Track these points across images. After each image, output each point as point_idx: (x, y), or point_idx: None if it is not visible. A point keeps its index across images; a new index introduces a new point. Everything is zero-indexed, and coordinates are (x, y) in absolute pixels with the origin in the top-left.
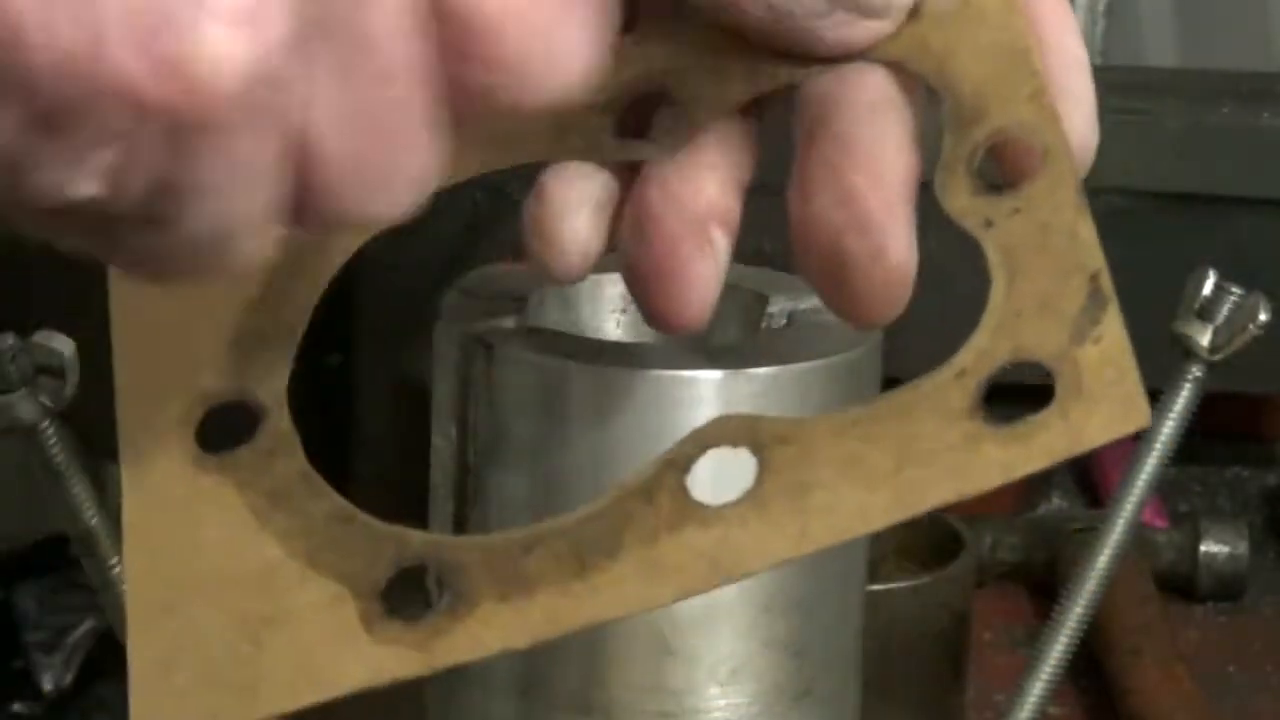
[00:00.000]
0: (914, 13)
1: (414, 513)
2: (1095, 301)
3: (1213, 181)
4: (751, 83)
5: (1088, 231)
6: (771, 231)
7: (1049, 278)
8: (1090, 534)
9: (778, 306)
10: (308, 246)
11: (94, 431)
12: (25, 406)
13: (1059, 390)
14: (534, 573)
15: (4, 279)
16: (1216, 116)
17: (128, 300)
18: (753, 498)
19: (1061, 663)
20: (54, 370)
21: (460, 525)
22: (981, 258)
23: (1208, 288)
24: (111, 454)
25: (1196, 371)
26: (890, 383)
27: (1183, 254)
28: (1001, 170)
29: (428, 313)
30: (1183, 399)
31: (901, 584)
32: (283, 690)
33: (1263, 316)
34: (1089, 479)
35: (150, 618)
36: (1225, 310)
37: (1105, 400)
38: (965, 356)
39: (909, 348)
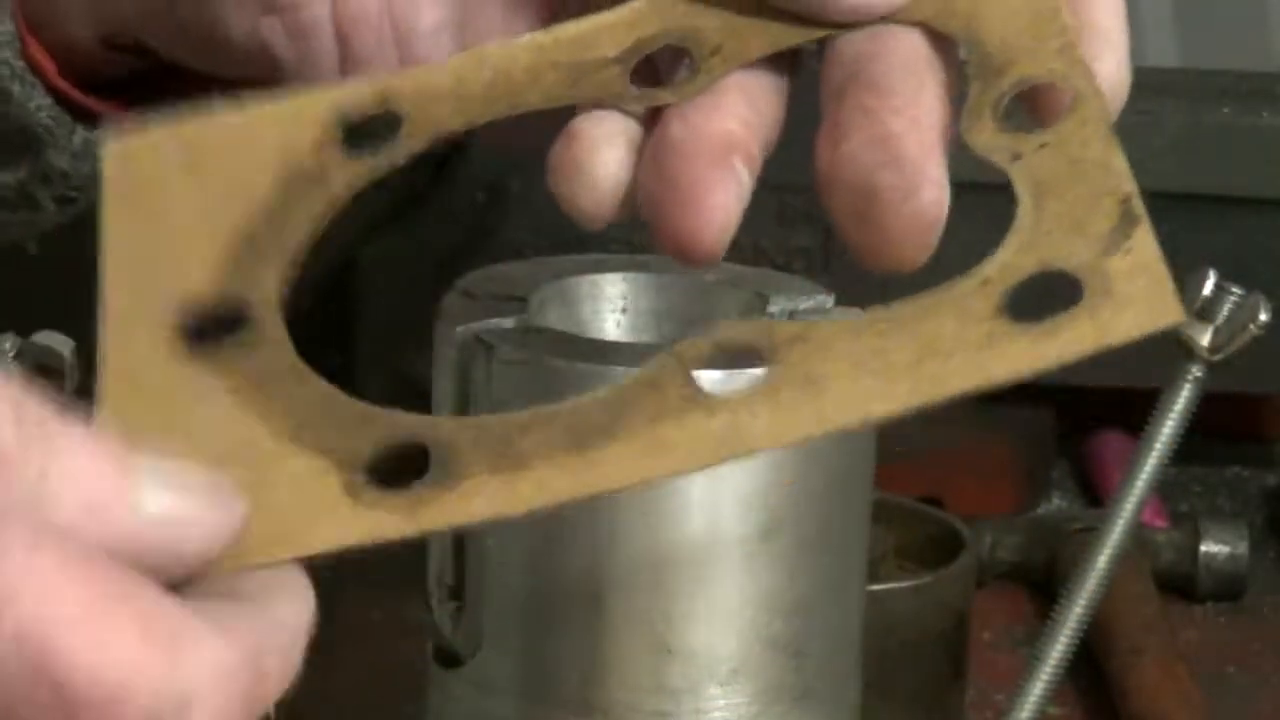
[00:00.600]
0: None
1: None
2: (1127, 220)
3: (1213, 181)
4: (772, 38)
5: (1119, 162)
6: (771, 231)
7: (1080, 201)
8: (1090, 534)
9: (778, 306)
10: (308, 180)
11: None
12: None
13: (1087, 294)
14: (528, 450)
15: (4, 279)
16: (1216, 116)
17: (120, 224)
18: (762, 387)
19: (1061, 663)
20: (54, 370)
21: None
22: (981, 259)
23: (1208, 288)
24: None
25: (1196, 371)
26: None
27: (1183, 254)
28: (1030, 113)
29: (428, 313)
30: (1183, 399)
31: (901, 584)
32: (257, 546)
33: (1263, 316)
34: (1089, 479)
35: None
36: (1225, 310)
37: (1135, 301)
38: (989, 268)
39: None
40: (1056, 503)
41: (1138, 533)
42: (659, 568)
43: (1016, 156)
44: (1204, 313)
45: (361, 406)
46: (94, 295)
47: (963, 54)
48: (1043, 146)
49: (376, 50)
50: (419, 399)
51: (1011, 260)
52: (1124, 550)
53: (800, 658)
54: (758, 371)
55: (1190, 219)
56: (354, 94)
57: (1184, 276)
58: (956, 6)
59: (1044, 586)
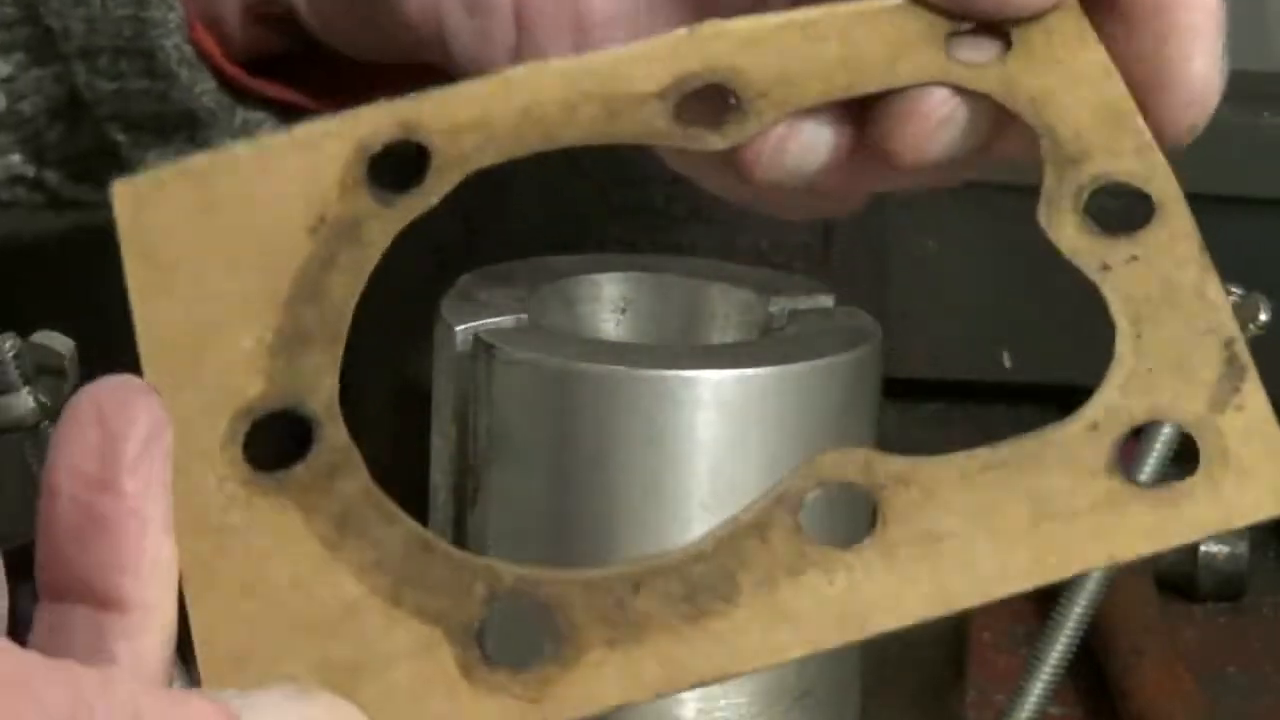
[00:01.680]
0: (1002, 53)
1: (414, 513)
2: (1233, 369)
3: (1213, 181)
4: (822, 87)
5: (1216, 293)
6: (771, 231)
7: (1180, 336)
8: None
9: (778, 306)
10: (342, 236)
11: None
12: (25, 406)
13: (1204, 457)
14: (643, 614)
15: (4, 279)
16: (1216, 116)
17: (152, 309)
18: (878, 544)
19: (1061, 663)
20: (54, 370)
21: (460, 525)
22: (981, 259)
23: None
24: None
25: None
26: (890, 383)
27: None
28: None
29: (428, 313)
30: None
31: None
32: None
33: (1263, 316)
34: None
35: (224, 669)
36: None
37: (1256, 475)
38: (1095, 409)
39: (909, 348)
40: None
41: None
42: None
43: (1106, 267)
44: None
45: (456, 554)
46: (95, 295)
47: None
48: (1133, 260)
49: (553, 35)
50: (419, 399)
51: (1117, 402)
52: None
53: (800, 658)
54: (865, 516)
55: None
56: (373, 122)
57: None
58: (1020, 84)
59: (1044, 586)
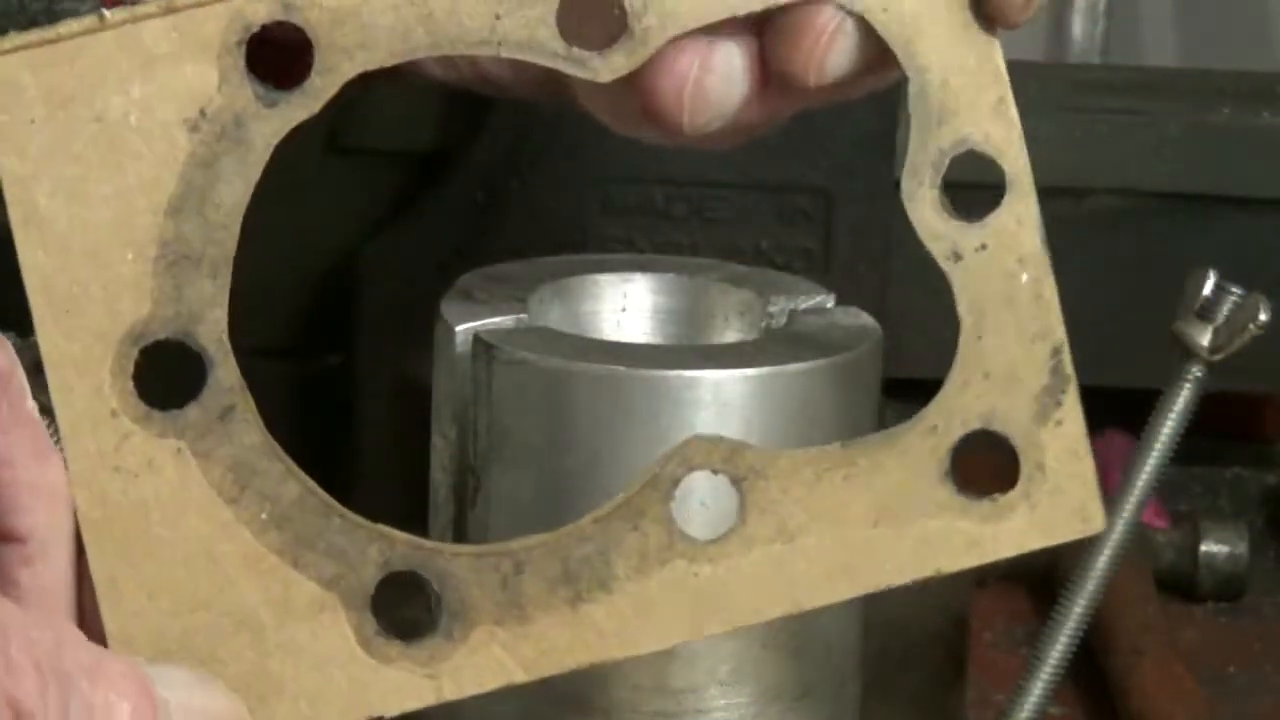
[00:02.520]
0: None
1: (414, 513)
2: (1057, 379)
3: (1213, 181)
4: (711, 4)
5: (1050, 293)
6: (771, 231)
7: (1014, 341)
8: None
9: (778, 306)
10: (225, 138)
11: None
12: None
13: (1023, 472)
14: (527, 595)
15: (4, 279)
16: (1216, 116)
17: (30, 212)
18: (739, 537)
19: (1061, 663)
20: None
21: (460, 525)
22: None
23: (1208, 288)
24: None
25: (1196, 371)
26: (890, 383)
27: (1183, 254)
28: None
29: (428, 313)
30: (1183, 399)
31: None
32: (292, 712)
33: (1263, 316)
34: None
35: (128, 624)
36: (1225, 310)
37: (1066, 495)
38: (935, 411)
39: (909, 348)
40: None
41: (1138, 533)
42: None
43: (957, 256)
44: (1204, 313)
45: (350, 517)
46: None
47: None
48: (981, 249)
49: None
50: (419, 399)
51: (955, 405)
52: (1124, 550)
53: (800, 658)
54: (729, 504)
55: (1190, 219)
56: (252, 1)
57: (1184, 276)
58: (904, 9)
59: (1044, 586)
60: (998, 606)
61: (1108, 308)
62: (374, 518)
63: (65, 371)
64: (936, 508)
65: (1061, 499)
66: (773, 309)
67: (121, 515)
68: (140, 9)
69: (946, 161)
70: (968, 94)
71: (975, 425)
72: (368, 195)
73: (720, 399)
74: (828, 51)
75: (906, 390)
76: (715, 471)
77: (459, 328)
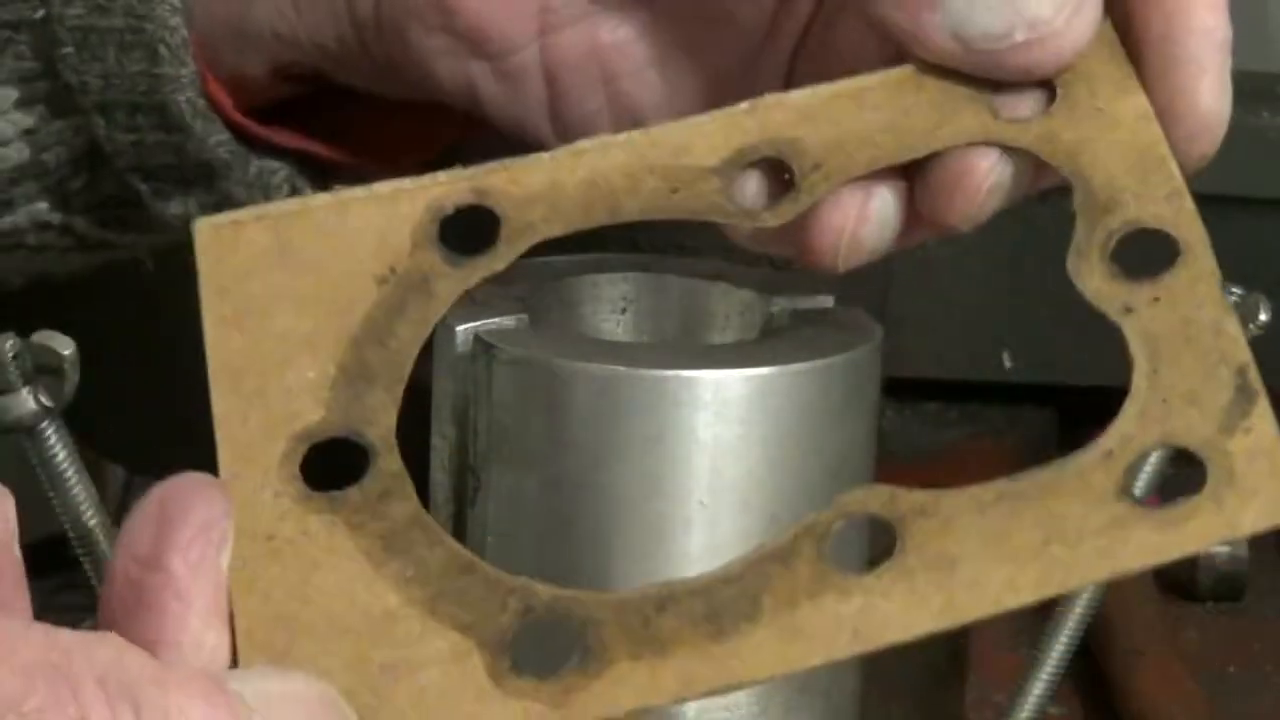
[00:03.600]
0: (1046, 106)
1: None
2: (1244, 394)
3: (1213, 181)
4: (873, 155)
5: (1233, 326)
6: None
7: (1195, 370)
8: None
9: (778, 306)
10: (411, 289)
11: (94, 431)
12: (25, 406)
13: (1211, 477)
14: (668, 632)
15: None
16: None
17: (224, 333)
18: (895, 569)
19: (1061, 663)
20: (54, 370)
21: (460, 525)
22: (981, 259)
23: None
24: (111, 454)
25: None
26: (890, 383)
27: None
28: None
29: None
30: None
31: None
32: None
33: (1263, 316)
34: None
35: (260, 653)
36: None
37: (1260, 490)
38: (1110, 439)
39: (909, 348)
40: None
41: None
42: (661, 568)
43: (1129, 310)
44: None
45: (493, 573)
46: (95, 295)
47: (1073, 191)
48: (1155, 301)
49: (584, 91)
50: (419, 399)
51: (1132, 431)
52: None
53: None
54: (887, 544)
55: None
56: (448, 185)
57: None
58: (1061, 137)
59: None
60: None
61: None
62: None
63: (235, 454)
64: (1113, 521)
65: (1252, 497)
66: (773, 309)
67: (269, 574)
68: (346, 193)
69: (1114, 240)
70: (1134, 189)
71: (1154, 445)
72: None
73: (720, 399)
74: (982, 204)
75: (906, 390)
76: (873, 517)
77: (459, 328)
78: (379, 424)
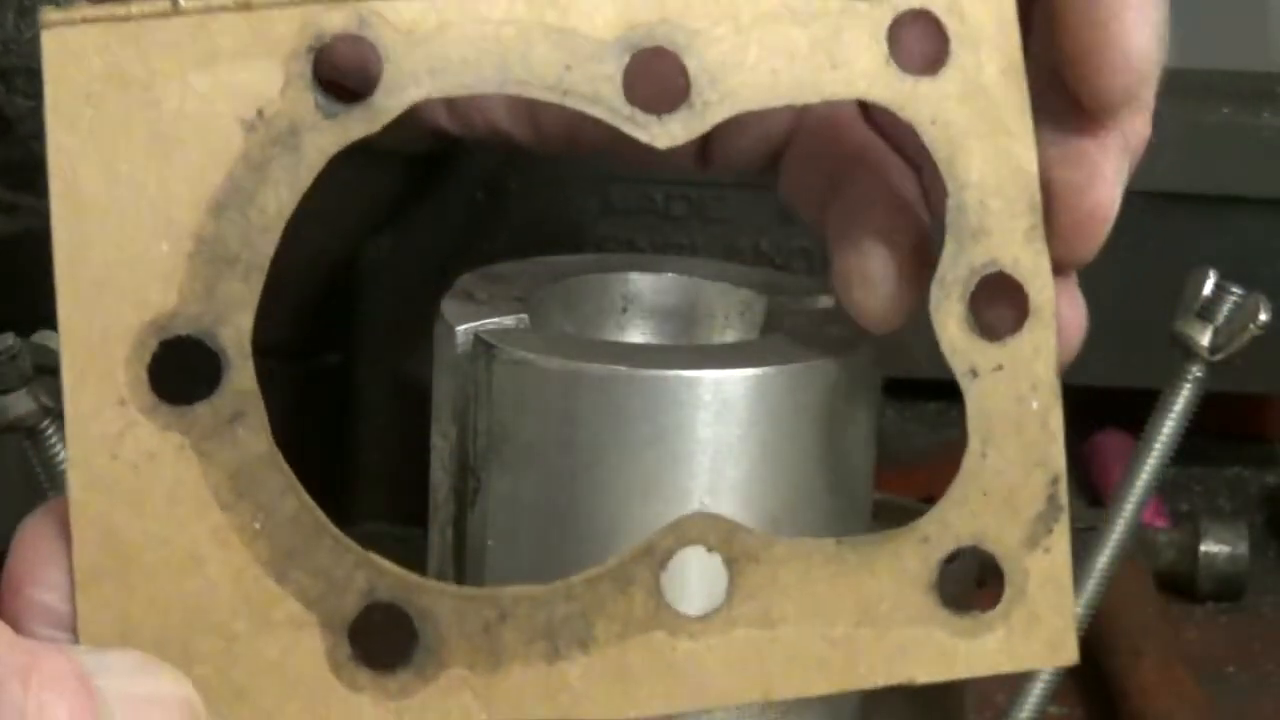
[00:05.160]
0: (936, 66)
1: (414, 513)
2: (1052, 507)
3: (1213, 181)
4: (768, 89)
5: (1056, 422)
6: (771, 232)
7: (1017, 466)
8: (1090, 534)
9: (778, 306)
10: (278, 143)
11: None
12: (25, 406)
13: (1006, 594)
14: (505, 645)
15: (4, 279)
16: (1216, 116)
17: (72, 182)
18: (722, 617)
19: None
20: (54, 370)
21: (460, 525)
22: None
23: (1208, 288)
24: None
25: (1196, 371)
26: (890, 383)
27: (1183, 254)
28: (990, 314)
29: (428, 313)
30: (1183, 399)
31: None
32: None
33: (1263, 316)
34: (1089, 479)
35: (99, 613)
36: (1225, 310)
37: (1044, 623)
38: (930, 523)
39: (909, 348)
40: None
41: (1138, 533)
42: None
43: (974, 373)
44: (1204, 313)
45: (341, 540)
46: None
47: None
48: (998, 370)
49: None
50: (419, 399)
51: (950, 520)
52: (1124, 550)
53: None
54: (718, 584)
55: (1190, 219)
56: (332, 7)
57: (1184, 276)
58: (951, 120)
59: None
60: None
61: (1108, 308)
62: (374, 517)
63: (79, 352)
64: (918, 616)
65: (1038, 627)
66: (773, 309)
67: (112, 504)
68: (215, 1)
69: (976, 280)
70: (1002, 217)
71: (966, 541)
72: (368, 195)
73: (720, 399)
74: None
75: (906, 390)
76: (709, 549)
77: (459, 328)
78: (233, 324)
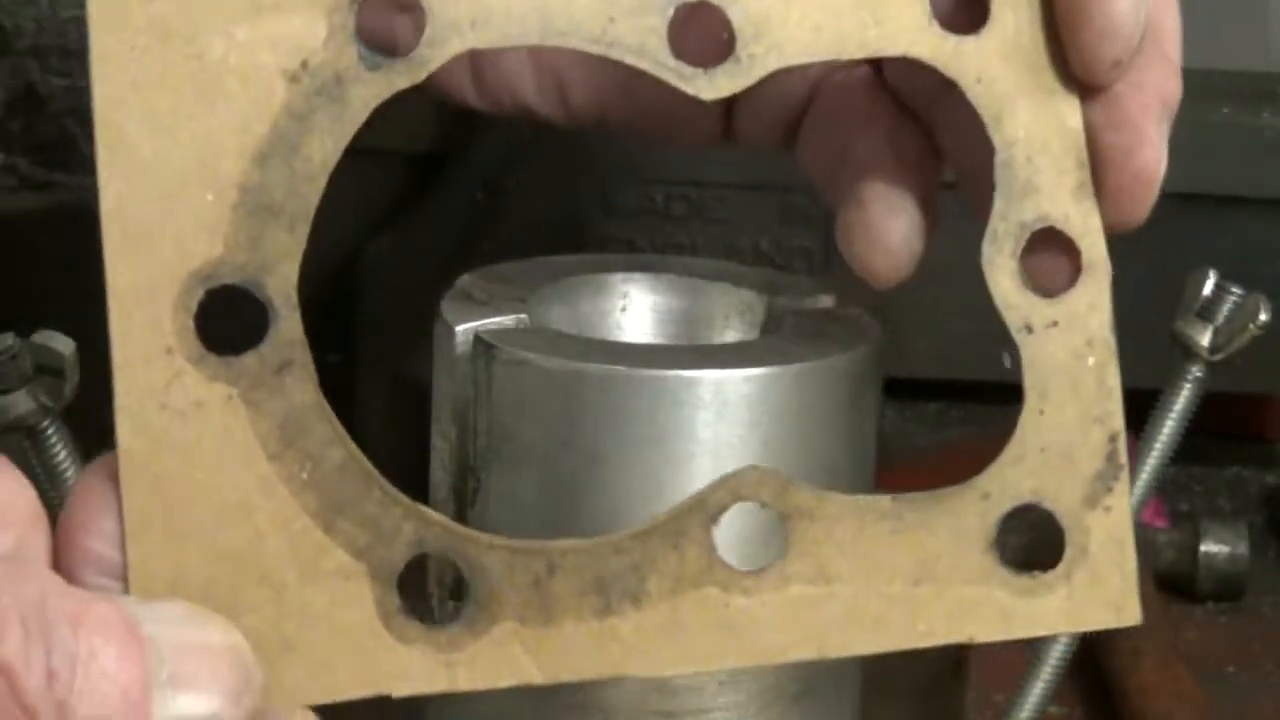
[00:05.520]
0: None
1: None
2: (1112, 465)
3: (1213, 181)
4: (811, 44)
5: (1114, 379)
6: (772, 231)
7: (1075, 423)
8: None
9: (778, 306)
10: (323, 93)
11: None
12: (25, 406)
13: (1069, 551)
14: (556, 598)
15: (4, 279)
16: (1216, 116)
17: (118, 131)
18: (776, 574)
19: (1061, 663)
20: (54, 370)
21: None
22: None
23: (1208, 288)
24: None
25: (1196, 371)
26: (890, 383)
27: (1183, 254)
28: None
29: (428, 313)
30: (1183, 399)
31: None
32: (304, 683)
33: (1263, 316)
34: None
35: (152, 563)
36: (1225, 310)
37: (1106, 583)
38: (989, 480)
39: (909, 348)
40: None
41: (1138, 533)
42: None
43: (1029, 329)
44: (1204, 313)
45: (389, 490)
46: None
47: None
48: (1053, 325)
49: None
50: (419, 399)
51: (1009, 476)
52: None
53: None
54: (772, 539)
55: (1190, 219)
56: None
57: (1184, 276)
58: (994, 81)
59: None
60: None
61: None
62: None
63: (126, 302)
64: (978, 575)
65: (1099, 588)
66: (773, 309)
67: (161, 453)
68: None
69: (1027, 235)
70: (1050, 174)
71: (1026, 499)
72: (368, 195)
73: (720, 399)
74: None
75: (906, 390)
76: (763, 505)
77: (459, 328)
78: (279, 273)
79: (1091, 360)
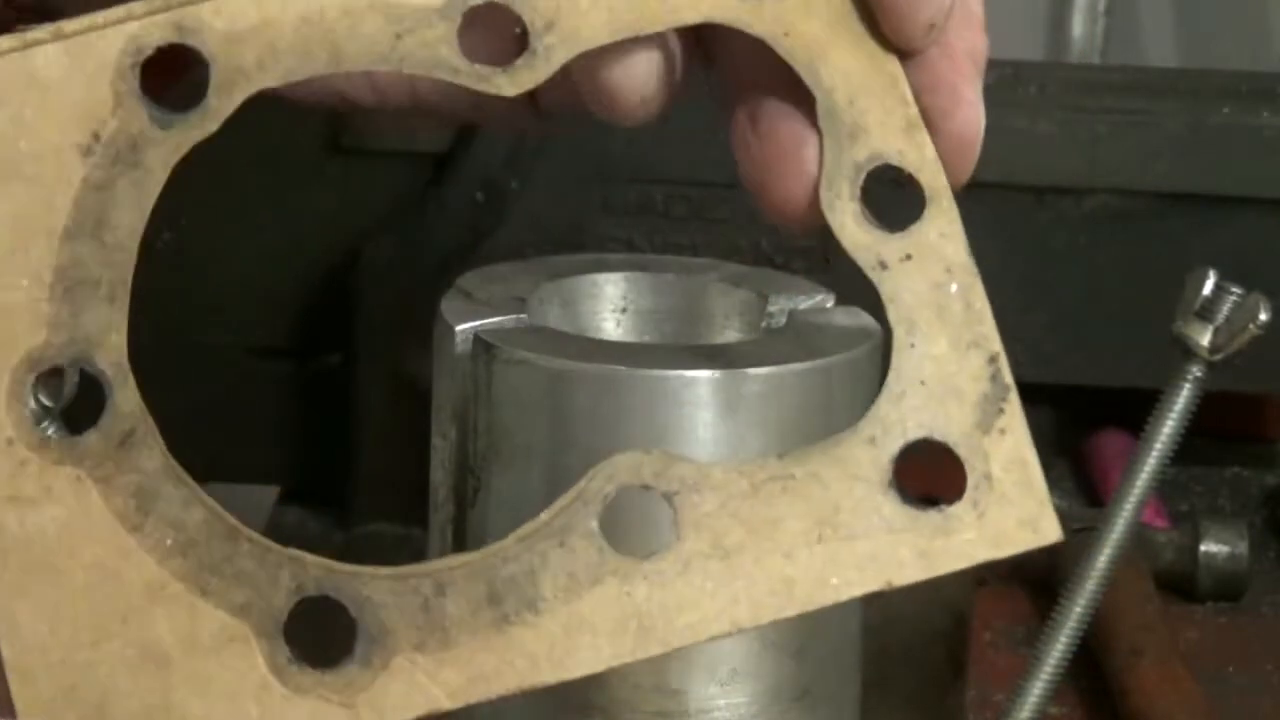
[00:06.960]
0: None
1: (414, 513)
2: (997, 387)
3: (1213, 181)
4: (611, 20)
5: (981, 301)
6: (771, 231)
7: (948, 349)
8: (1090, 534)
9: (778, 306)
10: (120, 162)
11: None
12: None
13: (970, 480)
14: (450, 617)
15: None
16: (1216, 116)
17: None
18: (674, 554)
19: (1061, 663)
20: (54, 370)
21: (460, 525)
22: (981, 259)
23: (1208, 288)
24: None
25: (1196, 371)
26: None
27: (1183, 254)
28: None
29: (428, 313)
30: (1183, 399)
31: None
32: None
33: (1263, 316)
34: (1089, 479)
35: (30, 657)
36: (1225, 310)
37: (1016, 504)
38: (872, 424)
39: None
40: (1056, 502)
41: (1138, 533)
42: None
43: (883, 265)
44: (1204, 313)
45: (260, 541)
46: None
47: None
48: (907, 259)
49: None
50: (419, 399)
51: (892, 416)
52: (1124, 550)
53: (800, 658)
54: (662, 520)
55: (1190, 219)
56: (145, 18)
57: (1184, 276)
58: (800, 29)
59: (1044, 586)
60: (998, 606)
61: (1108, 308)
62: (374, 517)
63: None
64: (881, 521)
65: (1010, 509)
66: (773, 309)
67: (18, 546)
68: (31, 34)
69: (863, 175)
70: (876, 113)
71: (916, 434)
72: (368, 195)
73: (720, 399)
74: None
75: None
76: (645, 487)
77: (459, 328)
78: (107, 345)
79: (954, 287)
